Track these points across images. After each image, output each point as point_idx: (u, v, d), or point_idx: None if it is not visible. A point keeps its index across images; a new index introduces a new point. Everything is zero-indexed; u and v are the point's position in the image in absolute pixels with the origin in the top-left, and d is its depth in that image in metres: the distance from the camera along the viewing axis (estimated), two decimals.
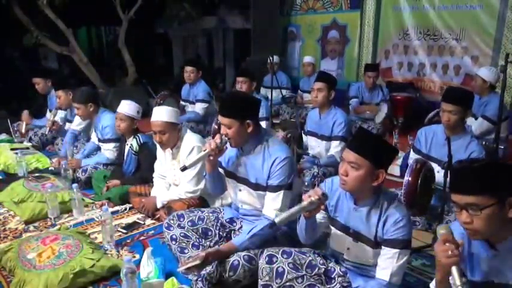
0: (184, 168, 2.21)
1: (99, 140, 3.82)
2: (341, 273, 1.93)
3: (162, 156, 3.02)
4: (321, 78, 3.48)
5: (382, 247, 1.75)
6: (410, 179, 2.58)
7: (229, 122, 2.11)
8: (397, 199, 1.80)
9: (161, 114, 2.81)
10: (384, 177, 1.72)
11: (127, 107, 3.29)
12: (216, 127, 4.26)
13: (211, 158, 2.19)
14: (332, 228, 1.95)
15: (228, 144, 2.18)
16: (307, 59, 6.43)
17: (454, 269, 1.32)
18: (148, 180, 3.20)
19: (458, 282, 1.29)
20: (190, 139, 2.87)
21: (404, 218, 1.70)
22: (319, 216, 1.96)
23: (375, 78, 5.31)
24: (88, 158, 3.81)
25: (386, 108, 5.17)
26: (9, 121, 4.89)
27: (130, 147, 3.33)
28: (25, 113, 4.95)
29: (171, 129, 2.80)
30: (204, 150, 2.17)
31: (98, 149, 3.91)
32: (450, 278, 1.35)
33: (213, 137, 4.07)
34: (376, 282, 1.76)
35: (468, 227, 1.34)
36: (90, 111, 3.77)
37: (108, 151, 3.72)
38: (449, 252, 1.33)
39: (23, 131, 4.82)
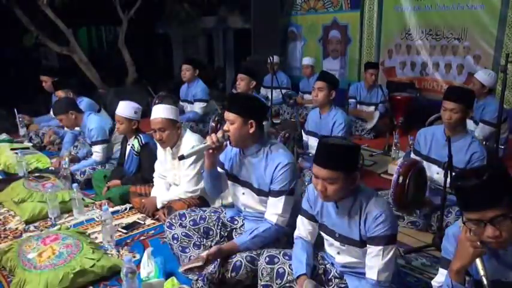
0: (181, 157, 2.20)
1: (89, 144, 3.84)
2: (337, 275, 1.94)
3: (163, 156, 3.02)
4: (322, 78, 3.50)
5: (367, 245, 1.74)
6: (397, 180, 2.60)
7: (233, 117, 2.11)
8: (375, 195, 1.77)
9: (160, 111, 2.81)
10: (358, 177, 1.73)
11: (123, 108, 3.27)
12: (214, 125, 4.26)
13: (211, 151, 2.19)
14: (322, 233, 1.96)
15: (228, 142, 2.17)
16: (306, 60, 6.44)
17: (478, 261, 1.32)
18: (148, 181, 3.20)
19: (482, 273, 1.30)
20: (190, 138, 2.87)
21: (383, 213, 1.69)
22: (309, 227, 1.96)
23: (372, 76, 5.32)
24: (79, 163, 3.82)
25: (377, 115, 5.18)
26: (16, 111, 4.89)
27: (131, 147, 3.32)
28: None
29: (170, 126, 2.80)
30: (205, 143, 2.17)
31: None
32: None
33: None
34: (366, 282, 1.76)
35: (497, 240, 1.30)
36: (73, 119, 3.75)
37: (96, 153, 3.73)
38: (478, 243, 1.32)
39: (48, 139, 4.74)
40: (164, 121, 2.78)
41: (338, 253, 1.91)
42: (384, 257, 1.69)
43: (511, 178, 1.29)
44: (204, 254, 1.97)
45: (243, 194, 2.31)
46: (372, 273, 1.72)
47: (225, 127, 2.14)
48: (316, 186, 1.75)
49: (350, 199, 1.77)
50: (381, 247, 1.69)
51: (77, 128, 4.18)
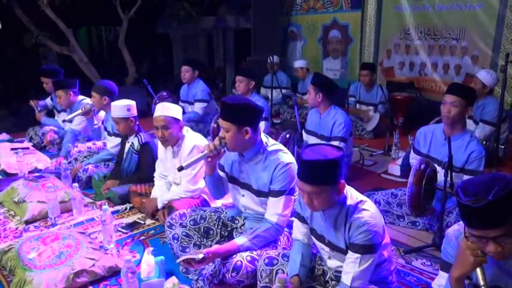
0: (181, 169, 2.22)
1: (108, 133, 3.85)
2: (333, 277, 1.94)
3: (163, 155, 3.02)
4: (311, 81, 3.59)
5: (348, 251, 1.74)
6: (414, 180, 2.55)
7: (227, 125, 2.10)
8: (361, 204, 1.74)
9: (164, 109, 2.81)
10: (344, 185, 1.71)
11: (115, 110, 3.26)
12: (215, 126, 4.25)
13: (210, 159, 2.20)
14: (313, 238, 1.96)
15: (226, 148, 2.18)
16: (298, 63, 6.44)
17: (479, 270, 1.31)
18: (148, 180, 3.20)
19: (482, 282, 1.29)
20: (191, 138, 2.87)
21: (366, 224, 1.67)
22: (304, 229, 1.96)
23: (366, 77, 5.33)
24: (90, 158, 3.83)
25: (378, 117, 5.17)
26: (31, 101, 4.94)
27: (131, 145, 3.32)
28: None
29: (173, 124, 2.80)
30: (202, 152, 2.18)
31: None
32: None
33: (213, 137, 4.08)
34: (341, 286, 1.75)
35: (500, 255, 1.29)
36: (103, 103, 3.82)
37: (113, 144, 3.73)
38: (479, 252, 1.31)
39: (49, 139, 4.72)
40: (168, 119, 2.78)
41: (329, 258, 1.91)
42: (360, 265, 1.69)
43: None
44: (204, 250, 1.97)
45: (243, 196, 2.32)
46: (346, 278, 1.72)
47: (221, 134, 2.15)
48: (302, 198, 1.76)
49: (337, 207, 1.76)
50: (358, 255, 1.69)
51: (80, 126, 4.20)
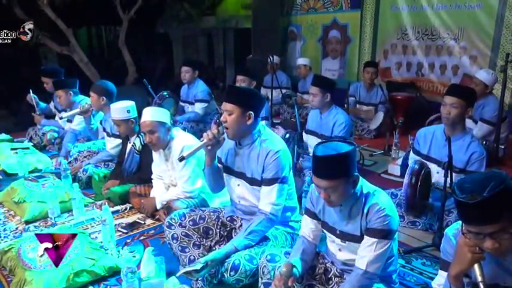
0: (182, 158, 2.23)
1: (107, 134, 3.84)
2: (337, 273, 1.95)
3: (158, 159, 3.02)
4: (314, 83, 3.52)
5: (364, 236, 1.76)
6: (409, 181, 2.57)
7: (231, 108, 2.11)
8: (378, 190, 1.80)
9: (149, 114, 2.80)
10: (359, 178, 1.75)
11: (114, 112, 3.26)
12: (215, 125, 4.25)
13: (209, 148, 2.20)
14: (324, 231, 1.97)
15: (225, 136, 2.18)
16: (300, 61, 6.44)
17: (476, 266, 1.32)
18: (148, 181, 3.19)
19: (480, 279, 1.29)
20: (180, 139, 2.86)
21: (385, 208, 1.71)
22: (312, 225, 1.97)
23: (373, 75, 5.31)
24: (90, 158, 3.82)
25: (382, 116, 5.15)
26: (31, 91, 4.88)
27: (133, 145, 3.32)
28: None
29: (160, 128, 2.79)
30: (202, 141, 2.18)
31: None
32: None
33: None
34: (354, 272, 1.77)
35: (497, 251, 1.29)
36: (101, 103, 3.81)
37: (110, 145, 3.73)
38: (477, 248, 1.32)
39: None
40: (153, 123, 2.77)
41: (339, 250, 1.92)
42: (376, 250, 1.71)
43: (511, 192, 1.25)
44: (202, 260, 1.97)
45: (238, 185, 2.32)
46: (361, 263, 1.74)
47: (222, 118, 2.14)
48: (320, 194, 1.78)
49: (352, 198, 1.78)
50: (375, 239, 1.71)
51: (79, 126, 4.19)
